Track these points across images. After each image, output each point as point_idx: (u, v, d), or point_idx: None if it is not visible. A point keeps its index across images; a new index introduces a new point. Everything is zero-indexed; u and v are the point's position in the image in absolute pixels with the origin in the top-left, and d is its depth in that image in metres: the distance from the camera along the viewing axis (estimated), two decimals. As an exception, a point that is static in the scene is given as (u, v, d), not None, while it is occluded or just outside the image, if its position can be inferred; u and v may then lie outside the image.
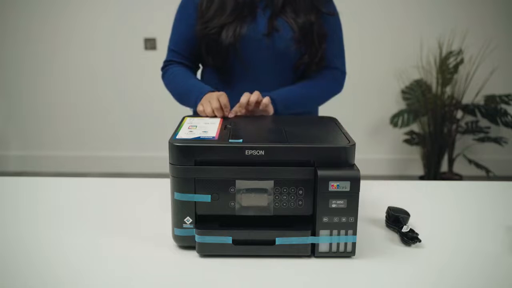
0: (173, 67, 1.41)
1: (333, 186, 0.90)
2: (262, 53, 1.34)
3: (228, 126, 1.06)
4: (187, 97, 1.33)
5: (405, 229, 1.02)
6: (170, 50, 1.44)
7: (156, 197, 1.23)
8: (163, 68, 1.45)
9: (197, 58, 1.44)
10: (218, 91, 1.25)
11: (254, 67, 1.36)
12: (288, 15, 1.34)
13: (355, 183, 0.90)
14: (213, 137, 0.96)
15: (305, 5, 1.35)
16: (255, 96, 1.22)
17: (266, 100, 1.24)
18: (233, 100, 1.24)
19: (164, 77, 1.44)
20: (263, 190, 0.94)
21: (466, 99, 3.28)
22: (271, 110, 1.27)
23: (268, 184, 0.93)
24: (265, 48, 1.33)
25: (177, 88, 1.39)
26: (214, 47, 1.33)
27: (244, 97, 1.22)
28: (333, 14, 1.40)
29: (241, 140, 0.93)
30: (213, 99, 1.17)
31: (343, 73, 1.45)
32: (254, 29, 1.32)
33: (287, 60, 1.36)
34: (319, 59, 1.37)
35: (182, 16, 1.41)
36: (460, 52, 3.21)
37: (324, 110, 1.52)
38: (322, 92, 1.42)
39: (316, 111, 1.51)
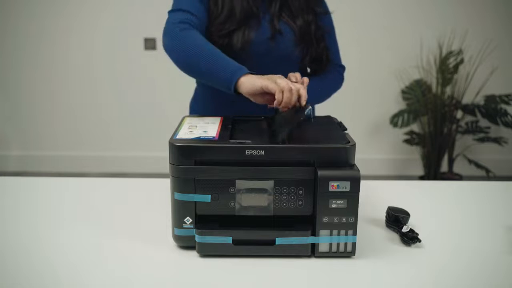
0: (197, 31, 1.21)
1: (333, 186, 0.90)
2: (267, 56, 1.34)
3: (228, 126, 1.06)
4: (218, 67, 1.14)
5: (405, 229, 1.02)
6: (182, 10, 1.24)
7: (156, 197, 1.23)
8: (177, 24, 1.21)
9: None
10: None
11: (259, 69, 1.36)
12: (287, 18, 1.35)
13: (355, 183, 0.90)
14: (213, 137, 0.96)
15: (301, 6, 1.37)
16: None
17: (306, 79, 1.21)
18: (237, 101, 1.24)
19: (182, 32, 1.19)
20: (263, 190, 0.94)
21: (466, 99, 3.28)
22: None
23: (268, 184, 0.93)
24: (269, 51, 1.34)
25: (205, 53, 1.15)
26: (225, 50, 1.32)
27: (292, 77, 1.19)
28: (327, 13, 1.43)
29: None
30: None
31: (343, 68, 1.49)
32: (260, 33, 1.33)
33: (290, 62, 1.37)
34: (324, 59, 1.39)
35: None
36: (460, 52, 3.21)
37: (324, 110, 1.52)
38: (326, 89, 1.43)
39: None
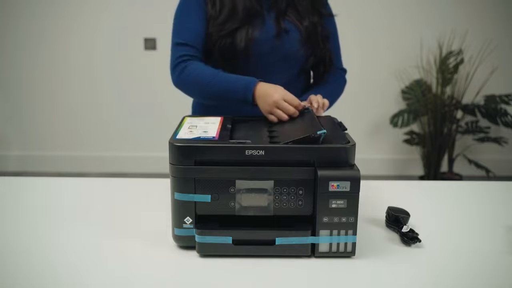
0: (196, 63, 1.30)
1: (333, 186, 0.90)
2: (271, 55, 1.34)
3: (228, 126, 1.06)
4: (231, 90, 1.23)
5: (405, 229, 1.02)
6: (181, 44, 1.31)
7: (156, 197, 1.23)
8: (178, 64, 1.30)
9: (205, 54, 1.37)
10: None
11: (263, 69, 1.36)
12: (293, 18, 1.35)
13: (355, 183, 0.90)
14: (213, 137, 0.96)
15: (307, 7, 1.36)
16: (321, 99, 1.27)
17: (326, 101, 1.27)
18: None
19: (183, 73, 1.29)
20: (263, 190, 0.94)
21: (466, 99, 3.28)
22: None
23: (268, 184, 0.93)
24: (274, 50, 1.34)
25: (212, 83, 1.25)
26: (228, 50, 1.32)
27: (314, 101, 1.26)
28: (332, 16, 1.44)
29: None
30: (292, 99, 1.16)
31: (344, 71, 1.50)
32: (264, 32, 1.33)
33: (294, 61, 1.37)
34: (327, 61, 1.39)
35: (190, 11, 1.35)
36: (460, 52, 3.21)
37: (324, 110, 1.52)
38: (334, 95, 1.43)
39: None
